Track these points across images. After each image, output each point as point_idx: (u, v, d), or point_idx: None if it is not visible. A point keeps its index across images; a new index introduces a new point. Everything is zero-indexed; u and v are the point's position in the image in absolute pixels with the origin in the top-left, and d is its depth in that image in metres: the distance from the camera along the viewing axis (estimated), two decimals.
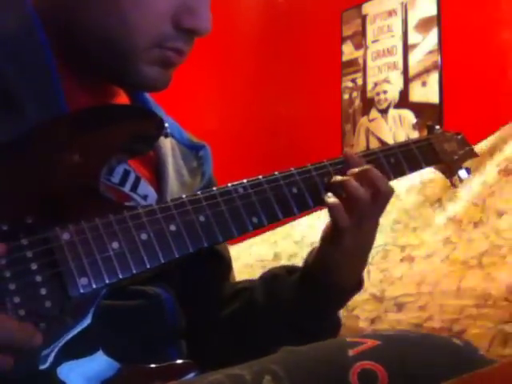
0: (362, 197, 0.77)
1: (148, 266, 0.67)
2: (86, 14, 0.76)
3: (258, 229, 0.75)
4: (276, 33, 3.23)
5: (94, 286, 0.64)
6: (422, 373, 0.57)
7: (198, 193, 0.73)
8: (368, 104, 2.79)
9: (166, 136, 0.88)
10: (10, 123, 0.70)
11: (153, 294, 0.78)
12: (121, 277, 0.65)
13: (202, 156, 0.94)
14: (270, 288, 0.87)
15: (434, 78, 2.49)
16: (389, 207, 0.83)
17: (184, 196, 0.72)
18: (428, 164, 0.92)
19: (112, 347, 0.64)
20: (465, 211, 1.66)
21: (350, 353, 0.58)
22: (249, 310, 0.88)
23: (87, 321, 0.63)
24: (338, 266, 0.81)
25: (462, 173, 0.96)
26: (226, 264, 0.95)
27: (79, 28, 0.77)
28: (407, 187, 1.87)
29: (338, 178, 0.80)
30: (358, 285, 0.86)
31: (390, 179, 0.84)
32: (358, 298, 0.89)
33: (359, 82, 2.84)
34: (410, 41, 2.62)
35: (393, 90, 2.67)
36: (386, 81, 2.71)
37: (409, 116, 2.57)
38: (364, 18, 2.85)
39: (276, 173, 0.79)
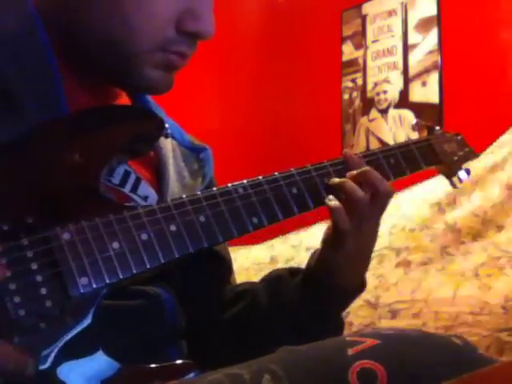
0: (361, 198, 0.78)
1: (148, 266, 0.67)
2: (88, 15, 0.76)
3: (258, 229, 0.75)
4: (276, 33, 3.23)
5: (95, 286, 0.64)
6: (422, 372, 0.57)
7: (198, 193, 0.73)
8: (368, 104, 2.79)
9: (167, 136, 0.88)
10: (9, 123, 0.71)
11: (153, 294, 0.78)
12: (121, 277, 0.65)
13: (203, 158, 0.94)
14: (273, 290, 0.88)
15: (433, 78, 2.49)
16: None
17: (184, 196, 0.72)
18: (428, 164, 0.92)
19: (112, 347, 0.64)
20: (464, 221, 1.66)
21: (350, 352, 0.58)
22: (252, 312, 0.88)
23: (87, 321, 0.64)
24: (340, 267, 0.81)
25: (462, 173, 0.96)
26: (226, 266, 0.95)
27: (80, 28, 0.77)
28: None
29: (336, 179, 0.80)
30: (361, 286, 0.86)
31: (389, 180, 0.84)
32: (352, 303, 0.90)
33: (359, 82, 2.84)
34: (410, 41, 2.62)
35: (393, 90, 2.67)
36: (386, 81, 2.71)
37: (409, 116, 2.57)
38: (364, 18, 2.85)
39: (276, 173, 0.79)
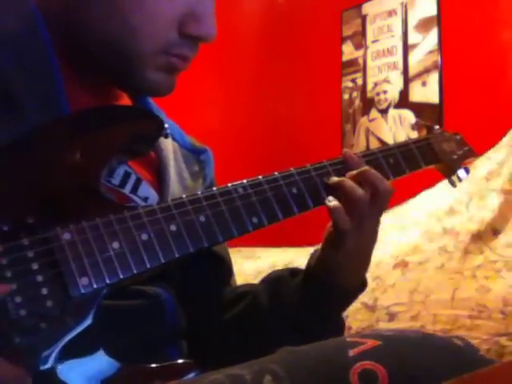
0: (361, 197, 0.78)
1: (148, 266, 0.67)
2: (88, 15, 0.76)
3: (258, 229, 0.75)
4: (276, 33, 3.23)
5: (95, 286, 0.64)
6: (423, 373, 0.57)
7: (198, 193, 0.73)
8: (368, 104, 2.79)
9: (166, 136, 0.88)
10: (9, 123, 0.71)
11: (153, 294, 0.78)
12: (121, 277, 0.65)
13: (203, 160, 0.94)
14: (273, 290, 0.88)
15: (434, 78, 2.49)
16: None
17: (184, 196, 0.72)
18: (427, 164, 0.92)
19: (112, 347, 0.64)
20: (462, 225, 1.67)
21: (351, 353, 0.58)
22: (252, 313, 0.88)
23: (88, 321, 0.63)
24: (340, 267, 0.82)
25: (461, 172, 0.96)
26: (226, 268, 0.95)
27: (81, 28, 0.77)
28: None
29: (335, 178, 0.80)
30: (361, 285, 0.86)
31: (389, 179, 0.84)
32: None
33: (359, 82, 2.85)
34: (410, 41, 2.62)
35: (393, 90, 2.67)
36: (386, 81, 2.71)
37: (409, 116, 2.57)
38: (364, 18, 2.85)
39: (276, 173, 0.79)
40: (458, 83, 2.41)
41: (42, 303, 0.61)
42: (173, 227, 0.69)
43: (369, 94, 2.78)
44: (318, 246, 0.85)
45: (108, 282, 0.64)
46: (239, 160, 2.83)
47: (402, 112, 2.62)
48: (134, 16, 0.75)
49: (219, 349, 0.88)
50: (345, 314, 0.91)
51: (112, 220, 0.67)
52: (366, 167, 0.81)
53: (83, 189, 0.69)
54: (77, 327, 0.63)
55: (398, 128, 2.64)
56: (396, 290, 1.65)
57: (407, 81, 2.60)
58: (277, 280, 0.89)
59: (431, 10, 2.51)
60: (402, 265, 1.67)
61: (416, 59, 2.58)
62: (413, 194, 1.95)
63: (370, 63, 2.81)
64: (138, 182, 0.81)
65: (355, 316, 1.60)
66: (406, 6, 2.64)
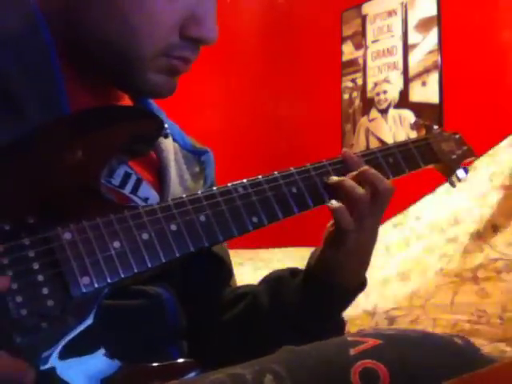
0: (361, 197, 0.78)
1: (149, 266, 0.67)
2: (89, 15, 0.76)
3: (258, 228, 0.75)
4: (276, 33, 3.23)
5: (96, 286, 0.64)
6: (424, 372, 0.57)
7: (198, 192, 0.73)
8: (368, 104, 2.79)
9: (166, 136, 0.88)
10: (10, 123, 0.71)
11: (154, 293, 0.78)
12: (122, 276, 0.65)
13: (204, 161, 0.94)
14: (274, 290, 0.88)
15: (433, 78, 2.49)
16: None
17: (184, 196, 0.72)
18: (426, 163, 0.92)
19: (113, 346, 0.64)
20: (465, 230, 1.67)
21: (352, 352, 0.58)
22: (253, 313, 0.88)
23: (89, 321, 0.64)
24: (341, 267, 0.82)
25: (460, 172, 0.96)
26: (226, 269, 0.95)
27: (82, 29, 0.77)
28: None
29: (335, 178, 0.80)
30: (361, 285, 0.86)
31: (388, 179, 0.85)
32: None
33: (359, 82, 2.85)
34: (410, 41, 2.62)
35: (393, 90, 2.67)
36: (386, 81, 2.72)
37: (409, 116, 2.57)
38: (364, 18, 2.85)
39: (275, 172, 0.79)
40: (458, 83, 2.41)
41: (43, 303, 0.61)
42: (173, 227, 0.69)
43: (369, 94, 2.78)
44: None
45: (109, 281, 0.64)
46: (240, 160, 2.83)
47: (401, 112, 2.62)
48: (133, 16, 0.75)
49: (220, 349, 0.88)
50: (345, 319, 0.91)
51: (112, 219, 0.67)
52: (366, 167, 0.81)
53: (83, 189, 0.69)
54: (78, 327, 0.63)
55: (397, 128, 2.64)
56: (395, 294, 1.65)
57: (407, 81, 2.60)
58: (277, 280, 0.89)
59: (431, 10, 2.51)
60: (406, 279, 1.68)
61: (416, 59, 2.58)
62: (413, 194, 1.95)
63: (370, 63, 2.81)
64: (139, 182, 0.81)
65: (354, 321, 1.60)
66: (405, 6, 2.65)
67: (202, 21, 0.77)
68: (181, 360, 0.69)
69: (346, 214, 0.78)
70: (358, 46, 2.86)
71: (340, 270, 0.82)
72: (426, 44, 2.53)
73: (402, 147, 0.90)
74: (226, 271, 0.96)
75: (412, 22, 2.61)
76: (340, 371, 0.56)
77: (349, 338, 0.61)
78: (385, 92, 2.71)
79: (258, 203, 0.75)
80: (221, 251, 0.93)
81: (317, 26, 3.03)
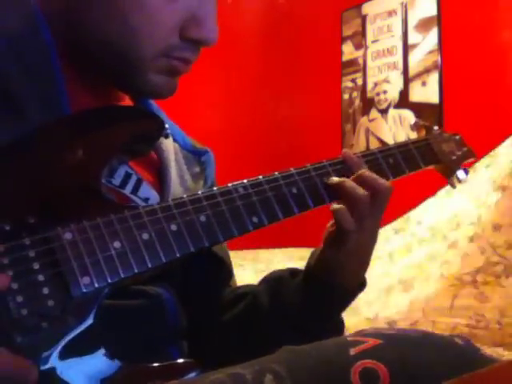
0: (361, 197, 0.78)
1: (150, 266, 0.67)
2: (89, 16, 0.76)
3: (258, 228, 0.75)
4: (276, 33, 3.23)
5: (97, 285, 0.64)
6: (424, 372, 0.57)
7: (199, 192, 0.73)
8: (368, 104, 2.79)
9: (167, 137, 0.88)
10: (10, 123, 0.71)
11: (154, 293, 0.78)
12: (123, 276, 0.65)
13: (204, 161, 0.94)
14: (274, 291, 0.88)
15: (433, 78, 2.49)
16: None
17: (185, 196, 0.72)
18: (426, 164, 0.92)
19: (113, 346, 0.64)
20: (463, 234, 1.67)
21: (352, 352, 0.58)
22: (253, 313, 0.88)
23: (89, 321, 0.64)
24: (341, 266, 0.82)
25: (460, 173, 0.97)
26: (226, 269, 0.96)
27: (83, 29, 0.77)
28: None
29: (336, 178, 0.80)
30: (361, 285, 0.86)
31: (388, 179, 0.85)
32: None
33: (359, 82, 2.85)
34: (410, 41, 2.63)
35: (393, 90, 2.67)
36: (386, 81, 2.72)
37: (409, 116, 2.57)
38: (364, 18, 2.85)
39: (276, 173, 0.79)
40: (458, 83, 2.41)
41: (44, 303, 0.62)
42: (173, 227, 0.69)
43: (369, 94, 2.78)
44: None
45: (109, 281, 0.64)
46: (240, 160, 2.83)
47: (402, 112, 2.62)
48: (133, 17, 0.75)
49: (220, 349, 0.88)
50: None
51: (113, 219, 0.67)
52: (362, 170, 0.81)
53: (84, 189, 0.69)
54: (78, 327, 0.63)
55: (398, 128, 2.64)
56: (398, 304, 1.65)
57: (407, 81, 2.60)
58: (277, 280, 0.89)
59: (431, 10, 2.51)
60: (409, 288, 1.68)
61: (416, 59, 2.58)
62: (413, 198, 1.95)
63: (369, 63, 2.81)
64: (139, 182, 0.81)
65: (354, 329, 1.60)
66: (405, 6, 2.65)
67: (202, 22, 0.77)
68: (181, 360, 0.69)
69: (346, 215, 0.78)
70: (357, 46, 2.86)
71: (340, 270, 0.82)
72: (426, 44, 2.53)
73: (403, 148, 0.90)
74: (226, 271, 0.96)
75: (412, 21, 2.61)
76: (340, 371, 0.56)
77: (349, 338, 0.61)
78: (385, 92, 2.71)
79: (259, 203, 0.75)
80: (221, 251, 0.93)
81: (317, 26, 3.03)
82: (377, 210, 0.80)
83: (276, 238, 2.20)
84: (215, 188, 0.74)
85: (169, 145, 0.89)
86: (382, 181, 0.81)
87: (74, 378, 0.62)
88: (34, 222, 0.64)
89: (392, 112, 2.66)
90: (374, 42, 2.79)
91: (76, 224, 0.65)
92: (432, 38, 2.50)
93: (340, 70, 2.92)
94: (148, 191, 0.81)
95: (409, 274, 1.70)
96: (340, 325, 0.88)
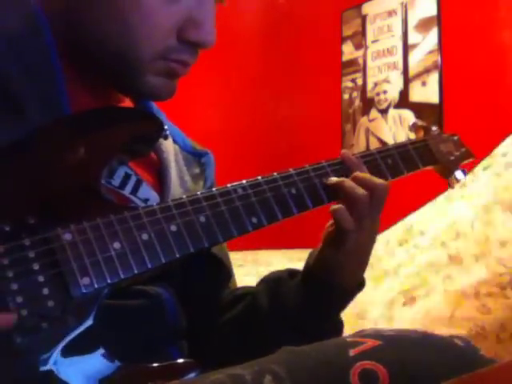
0: (360, 197, 0.78)
1: (149, 266, 0.67)
2: (89, 17, 0.76)
3: (258, 229, 0.75)
4: (276, 33, 3.23)
5: (96, 286, 0.64)
6: (423, 373, 0.57)
7: (198, 193, 0.73)
8: (368, 104, 2.79)
9: (166, 138, 0.88)
10: (10, 123, 0.71)
11: (154, 293, 0.78)
12: (122, 277, 0.65)
13: (204, 162, 0.94)
14: (273, 291, 0.88)
15: (433, 78, 2.49)
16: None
17: (184, 196, 0.72)
18: (425, 165, 0.93)
19: (113, 346, 0.64)
20: (466, 248, 1.66)
21: (351, 353, 0.58)
22: (252, 314, 0.88)
23: (89, 321, 0.64)
24: (340, 266, 0.82)
25: (459, 174, 0.97)
26: (225, 271, 0.96)
27: (83, 30, 0.77)
28: None
29: (335, 178, 0.81)
30: (360, 285, 0.86)
31: (387, 180, 0.85)
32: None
33: (359, 82, 2.85)
34: (410, 41, 2.63)
35: (393, 90, 2.68)
36: (386, 81, 2.72)
37: (409, 116, 2.57)
38: (364, 18, 2.85)
39: (275, 173, 0.79)
40: (458, 83, 2.41)
41: (43, 303, 0.62)
42: (173, 227, 0.69)
43: (369, 94, 2.79)
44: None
45: (109, 281, 0.64)
46: (240, 160, 2.83)
47: (402, 112, 2.62)
48: (132, 17, 0.75)
49: (219, 350, 0.89)
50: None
51: (113, 220, 0.67)
52: (356, 173, 0.81)
53: (84, 189, 0.70)
54: (78, 327, 0.63)
55: (398, 128, 2.64)
56: (402, 319, 1.64)
57: (407, 81, 2.60)
58: (276, 281, 0.89)
59: (431, 10, 2.51)
60: (411, 301, 1.67)
61: (416, 59, 2.58)
62: (413, 201, 1.95)
63: (369, 63, 2.81)
64: (139, 183, 0.81)
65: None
66: (405, 6, 2.65)
67: (200, 24, 0.77)
68: (181, 360, 0.69)
69: (346, 215, 0.78)
70: (357, 46, 2.86)
71: (339, 270, 0.82)
72: (426, 44, 2.53)
73: (401, 148, 0.90)
74: (225, 273, 0.96)
75: (412, 22, 2.61)
76: (339, 372, 0.56)
77: (348, 339, 0.61)
78: (385, 92, 2.71)
79: (258, 204, 0.75)
80: (220, 253, 0.93)
81: (317, 26, 3.03)
82: (375, 210, 0.81)
83: (276, 239, 2.20)
84: (214, 189, 0.75)
85: (169, 146, 0.89)
86: (379, 180, 0.81)
87: (72, 378, 0.62)
88: (33, 223, 0.64)
89: (392, 112, 2.66)
90: (373, 42, 2.79)
91: (76, 225, 0.65)
92: (432, 38, 2.50)
93: (340, 70, 2.93)
94: (148, 192, 0.81)
95: (410, 284, 1.70)
96: (339, 325, 0.88)
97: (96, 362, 0.64)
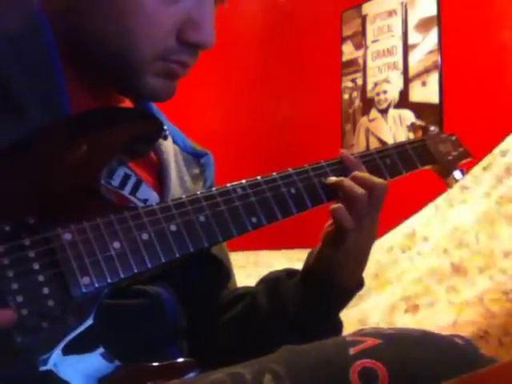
0: (360, 196, 0.79)
1: (149, 266, 0.67)
2: (89, 17, 0.76)
3: (257, 228, 0.75)
4: (276, 33, 3.23)
5: (97, 285, 0.64)
6: (423, 372, 0.57)
7: (198, 193, 0.73)
8: (368, 104, 2.79)
9: (165, 138, 0.88)
10: (10, 123, 0.71)
11: (154, 293, 0.78)
12: (122, 276, 0.65)
13: (204, 163, 0.95)
14: (273, 291, 0.88)
15: (433, 78, 2.49)
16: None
17: (184, 196, 0.72)
18: (423, 164, 0.93)
19: (113, 346, 0.64)
20: (470, 260, 1.65)
21: (351, 351, 0.58)
22: (252, 314, 0.88)
23: (89, 321, 0.64)
24: (339, 266, 0.82)
25: (457, 173, 0.97)
26: (225, 271, 0.96)
27: (83, 30, 0.77)
28: None
29: (334, 178, 0.81)
30: (359, 285, 0.87)
31: (386, 179, 0.85)
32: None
33: (359, 81, 2.85)
34: (410, 41, 2.63)
35: (393, 90, 2.68)
36: (386, 81, 2.72)
37: (409, 116, 2.57)
38: (364, 18, 2.85)
39: (274, 173, 0.79)
40: (458, 83, 2.41)
41: (44, 303, 0.62)
42: (173, 227, 0.69)
43: (369, 94, 2.79)
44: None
45: (109, 281, 0.65)
46: (240, 160, 2.83)
47: (402, 112, 2.63)
48: (131, 17, 0.75)
49: (219, 349, 0.89)
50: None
51: (112, 220, 0.67)
52: (354, 172, 0.82)
53: (84, 189, 0.70)
54: (78, 327, 0.63)
55: (397, 128, 2.65)
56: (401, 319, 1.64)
57: (407, 81, 2.60)
58: (275, 280, 0.89)
59: (431, 10, 2.52)
60: (413, 309, 1.67)
61: (416, 59, 2.58)
62: (413, 203, 1.94)
63: (369, 63, 2.81)
64: (138, 183, 0.81)
65: None
66: (405, 6, 2.65)
67: (199, 25, 0.77)
68: (181, 360, 0.69)
69: (345, 214, 0.78)
70: (357, 46, 2.86)
71: (339, 270, 0.82)
72: (426, 44, 2.53)
73: (400, 148, 0.91)
74: (225, 273, 0.96)
75: (412, 21, 2.61)
76: (339, 371, 0.56)
77: (348, 338, 0.61)
78: (385, 92, 2.71)
79: (257, 204, 0.75)
80: (220, 253, 0.93)
81: (317, 26, 3.03)
82: (374, 209, 0.81)
83: (276, 240, 2.20)
84: (214, 188, 0.75)
85: (168, 146, 0.90)
86: (378, 179, 0.81)
87: (72, 377, 0.62)
88: (33, 223, 0.64)
89: (392, 112, 2.66)
90: (373, 41, 2.79)
91: (76, 224, 0.65)
92: (432, 38, 2.50)
93: (340, 70, 2.93)
94: (147, 192, 0.82)
95: (412, 291, 1.69)
96: (338, 325, 0.88)
97: (96, 361, 0.64)
